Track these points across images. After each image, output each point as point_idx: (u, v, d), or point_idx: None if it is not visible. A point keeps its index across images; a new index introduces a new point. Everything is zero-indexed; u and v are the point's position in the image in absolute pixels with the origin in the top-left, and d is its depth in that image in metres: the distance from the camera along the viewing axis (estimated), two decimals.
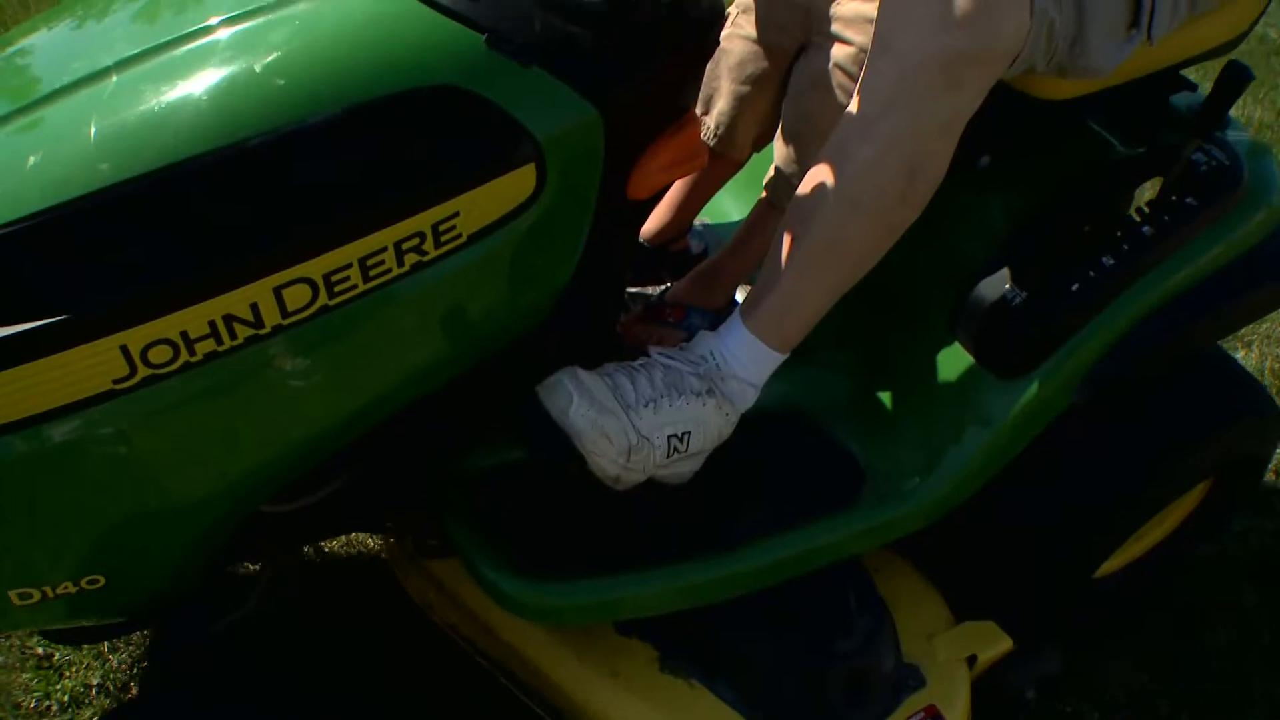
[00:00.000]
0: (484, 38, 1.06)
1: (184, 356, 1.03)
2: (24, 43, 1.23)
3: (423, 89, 1.05)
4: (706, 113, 1.67)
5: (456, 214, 1.08)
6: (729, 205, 1.88)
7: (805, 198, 1.29)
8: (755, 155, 1.74)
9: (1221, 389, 1.70)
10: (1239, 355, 2.59)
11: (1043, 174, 1.58)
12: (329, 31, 1.07)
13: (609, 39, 1.11)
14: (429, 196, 1.06)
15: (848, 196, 1.25)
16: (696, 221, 1.83)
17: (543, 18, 1.09)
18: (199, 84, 1.03)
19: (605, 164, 1.15)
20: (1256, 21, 1.57)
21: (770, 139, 1.64)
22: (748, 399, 1.31)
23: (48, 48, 1.22)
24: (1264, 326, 2.69)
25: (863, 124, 1.24)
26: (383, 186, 1.05)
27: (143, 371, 1.02)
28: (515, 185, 1.10)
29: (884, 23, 1.25)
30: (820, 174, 1.28)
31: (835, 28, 1.45)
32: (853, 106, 1.27)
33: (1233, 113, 3.90)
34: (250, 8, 1.08)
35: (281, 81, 1.03)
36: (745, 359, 1.29)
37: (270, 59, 1.04)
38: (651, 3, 1.13)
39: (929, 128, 1.23)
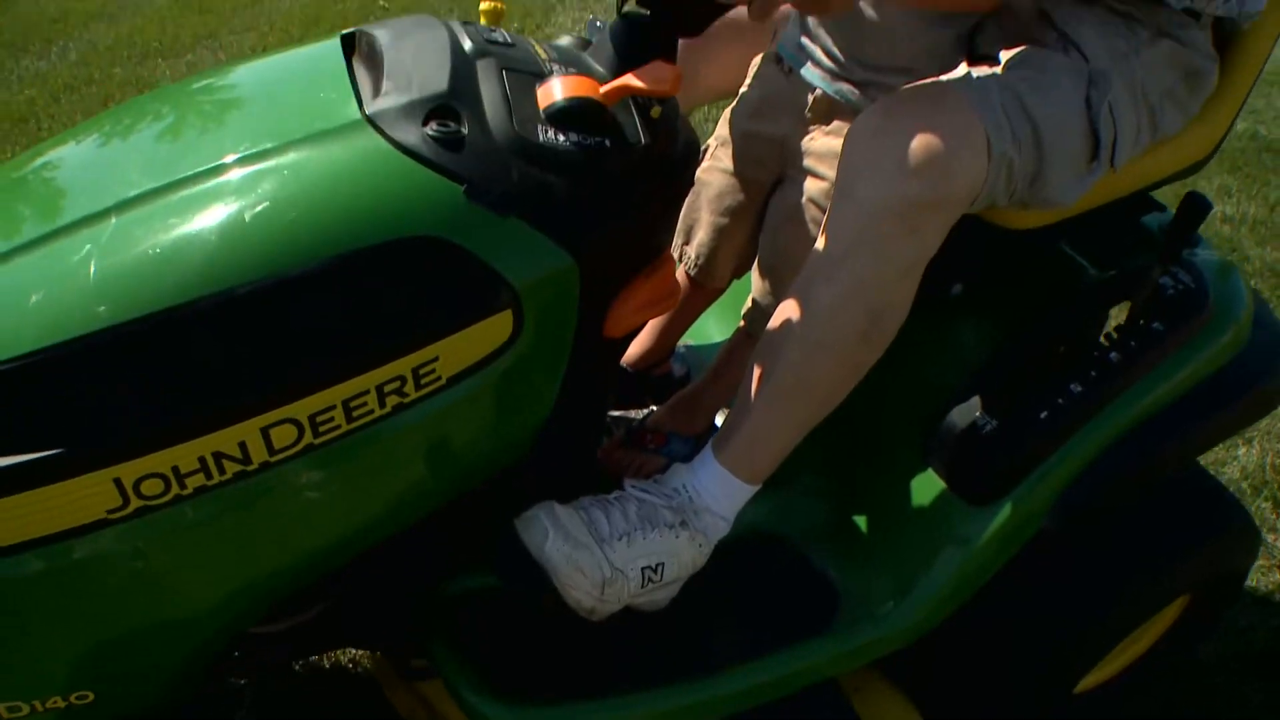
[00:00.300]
0: (463, 189, 1.10)
1: (175, 489, 1.07)
2: (42, 167, 1.29)
3: (404, 239, 1.09)
4: (687, 243, 1.71)
5: (436, 358, 1.11)
6: (711, 327, 1.92)
7: (774, 334, 1.33)
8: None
9: (1194, 508, 1.72)
10: (1240, 452, 2.59)
11: (1014, 300, 1.61)
12: (315, 182, 1.11)
13: (584, 188, 1.15)
14: (410, 342, 1.10)
15: (813, 337, 1.29)
16: (679, 344, 1.87)
17: (520, 168, 1.12)
18: (191, 231, 1.08)
19: (581, 307, 1.18)
20: (1221, 143, 1.61)
21: (749, 267, 1.68)
22: (720, 530, 1.33)
23: (60, 178, 1.28)
24: (1264, 422, 2.67)
25: (827, 266, 1.28)
26: (366, 333, 1.09)
27: (135, 503, 1.06)
28: (493, 330, 1.14)
29: (846, 168, 1.29)
30: (788, 312, 1.31)
31: (808, 162, 1.50)
32: (819, 245, 1.30)
33: (1228, 209, 3.95)
34: (243, 154, 1.13)
35: (269, 231, 1.07)
36: (717, 492, 1.32)
37: (260, 208, 1.08)
38: (626, 151, 1.17)
39: (889, 272, 1.27)
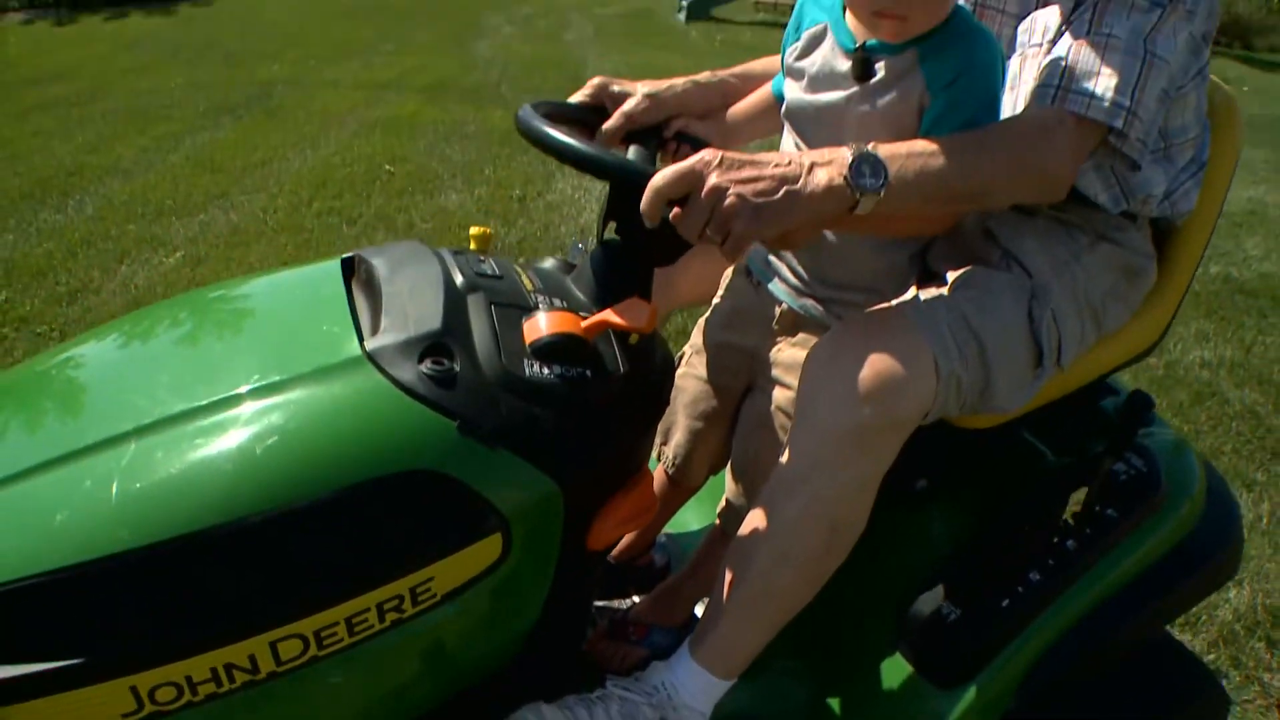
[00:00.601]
0: (456, 425, 1.18)
1: (187, 696, 1.14)
2: (66, 369, 1.37)
3: (402, 473, 1.17)
4: (665, 443, 1.80)
5: (431, 578, 1.20)
6: (690, 518, 2.00)
7: (743, 541, 1.42)
8: None
9: (1159, 675, 1.75)
10: (1231, 594, 2.62)
11: (976, 491, 1.70)
12: (321, 418, 1.19)
13: (568, 418, 1.23)
14: (407, 566, 1.19)
15: (778, 548, 1.37)
16: (660, 535, 1.94)
17: (508, 402, 1.21)
18: (207, 460, 1.16)
19: (565, 527, 1.27)
20: (1168, 329, 1.71)
21: (724, 465, 1.76)
22: None
23: (84, 386, 1.36)
24: (1253, 564, 2.73)
25: (789, 482, 1.38)
26: (367, 559, 1.18)
27: (149, 709, 1.13)
28: (483, 552, 1.22)
29: (804, 393, 1.38)
30: (755, 522, 1.40)
31: (776, 372, 1.60)
32: (782, 461, 1.39)
33: (1206, 354, 4.02)
34: (254, 386, 1.22)
35: (280, 465, 1.16)
36: (694, 689, 1.40)
37: (270, 442, 1.17)
38: (606, 380, 1.25)
39: (848, 490, 1.36)
